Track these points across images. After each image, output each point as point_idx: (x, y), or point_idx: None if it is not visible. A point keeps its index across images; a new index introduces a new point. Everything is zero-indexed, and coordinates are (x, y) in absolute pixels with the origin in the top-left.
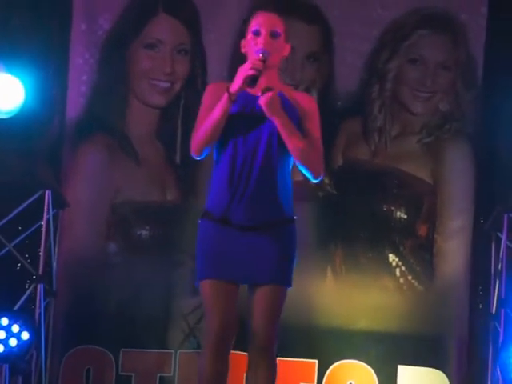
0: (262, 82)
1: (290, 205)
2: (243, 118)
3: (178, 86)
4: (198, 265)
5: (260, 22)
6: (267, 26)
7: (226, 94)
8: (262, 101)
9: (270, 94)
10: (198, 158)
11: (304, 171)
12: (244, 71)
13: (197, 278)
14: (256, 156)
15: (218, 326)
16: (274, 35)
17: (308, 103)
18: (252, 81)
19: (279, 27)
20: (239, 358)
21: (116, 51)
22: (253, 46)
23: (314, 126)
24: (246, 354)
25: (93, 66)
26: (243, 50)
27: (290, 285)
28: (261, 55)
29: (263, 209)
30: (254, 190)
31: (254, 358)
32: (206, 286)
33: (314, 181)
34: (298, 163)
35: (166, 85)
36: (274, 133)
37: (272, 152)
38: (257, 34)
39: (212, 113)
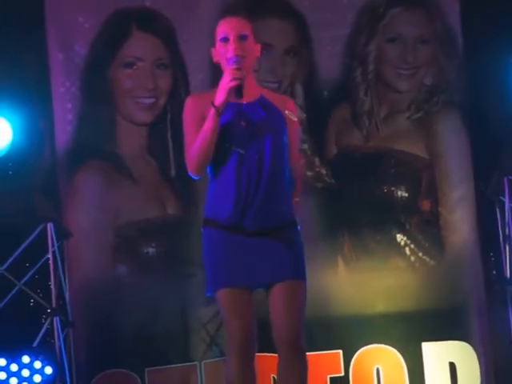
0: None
1: (291, 205)
2: (239, 128)
3: (162, 101)
4: (208, 275)
5: (226, 28)
6: (234, 30)
7: (212, 110)
8: None
9: None
10: (197, 178)
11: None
12: (225, 84)
13: (209, 289)
14: (263, 167)
15: (239, 333)
16: (242, 38)
17: (289, 108)
18: (237, 91)
19: (246, 29)
20: (265, 360)
21: (96, 75)
22: (224, 54)
23: (296, 135)
24: (271, 355)
25: (75, 93)
26: (215, 60)
27: (304, 278)
28: (235, 64)
29: (273, 215)
30: (263, 199)
31: (283, 356)
32: (222, 296)
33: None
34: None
35: (151, 100)
36: (276, 142)
37: (277, 162)
38: (225, 40)
39: (202, 130)
